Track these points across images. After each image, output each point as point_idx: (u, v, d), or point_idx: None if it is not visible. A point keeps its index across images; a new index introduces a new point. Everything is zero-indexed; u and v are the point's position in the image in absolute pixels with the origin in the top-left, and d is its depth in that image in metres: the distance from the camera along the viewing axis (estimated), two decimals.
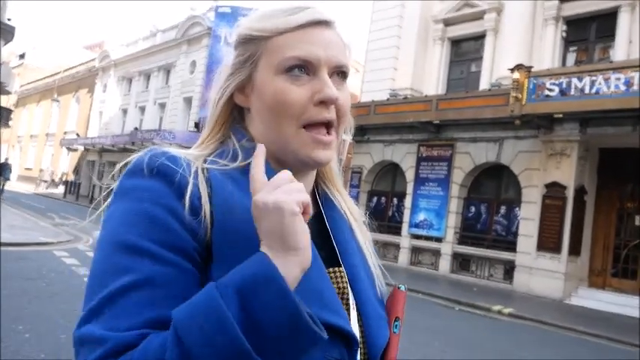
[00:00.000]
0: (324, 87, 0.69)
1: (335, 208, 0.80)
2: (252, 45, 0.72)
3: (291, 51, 0.69)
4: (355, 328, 0.68)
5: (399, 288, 0.78)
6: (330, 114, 0.70)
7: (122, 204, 0.62)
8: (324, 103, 0.69)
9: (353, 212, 0.83)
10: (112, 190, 0.66)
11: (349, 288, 0.72)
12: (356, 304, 0.71)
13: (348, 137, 0.85)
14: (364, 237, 0.82)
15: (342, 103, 0.71)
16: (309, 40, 0.69)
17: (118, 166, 0.74)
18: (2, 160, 23.69)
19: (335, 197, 0.82)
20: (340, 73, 0.73)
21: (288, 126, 0.69)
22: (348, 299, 0.71)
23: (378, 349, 0.70)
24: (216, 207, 0.63)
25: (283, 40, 0.70)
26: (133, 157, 0.66)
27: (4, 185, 21.83)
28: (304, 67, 0.69)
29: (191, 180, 0.63)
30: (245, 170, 0.67)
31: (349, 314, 0.69)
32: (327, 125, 0.71)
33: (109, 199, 0.65)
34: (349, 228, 0.80)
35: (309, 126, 0.70)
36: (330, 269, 0.71)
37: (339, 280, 0.71)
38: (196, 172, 0.65)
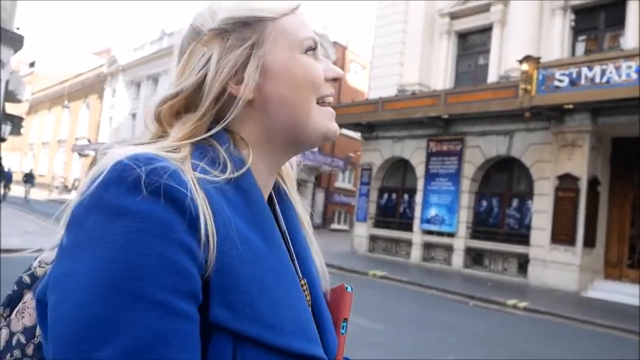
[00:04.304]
0: (331, 66, 0.71)
1: (289, 205, 0.76)
2: (258, 26, 0.65)
3: (303, 32, 0.68)
4: None
5: (346, 289, 0.75)
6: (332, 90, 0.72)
7: (119, 233, 0.48)
8: (335, 80, 0.71)
9: (298, 204, 0.78)
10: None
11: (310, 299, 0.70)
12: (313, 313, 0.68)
13: None
14: (310, 230, 0.79)
15: None
16: (307, 22, 0.71)
17: None
18: (27, 171, 27.07)
19: (287, 193, 0.77)
20: None
21: (313, 101, 0.68)
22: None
23: (331, 355, 0.68)
24: (219, 237, 0.53)
25: (291, 21, 0.68)
26: (111, 162, 0.52)
27: (29, 192, 24.87)
28: (313, 48, 0.70)
29: (199, 203, 0.52)
30: (238, 185, 0.60)
31: None
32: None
33: (82, 213, 0.51)
34: (300, 223, 0.76)
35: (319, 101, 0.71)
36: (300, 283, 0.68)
37: (305, 293, 0.68)
38: (197, 191, 0.54)
